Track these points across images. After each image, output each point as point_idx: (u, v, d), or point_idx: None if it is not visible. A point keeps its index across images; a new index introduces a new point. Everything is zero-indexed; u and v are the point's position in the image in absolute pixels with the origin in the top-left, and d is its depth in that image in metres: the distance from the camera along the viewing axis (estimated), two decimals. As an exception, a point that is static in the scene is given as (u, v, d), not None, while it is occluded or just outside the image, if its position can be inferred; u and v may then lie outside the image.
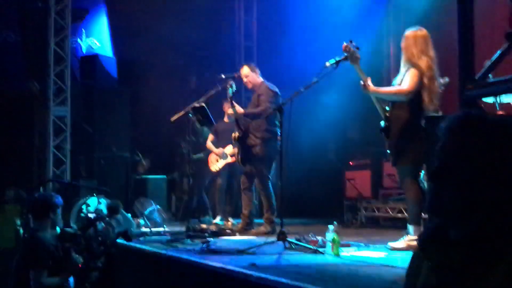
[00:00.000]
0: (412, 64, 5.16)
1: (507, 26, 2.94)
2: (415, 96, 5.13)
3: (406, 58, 5.22)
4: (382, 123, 5.39)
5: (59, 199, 4.85)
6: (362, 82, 5.17)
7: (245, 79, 7.50)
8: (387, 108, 5.37)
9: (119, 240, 5.21)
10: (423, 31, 5.28)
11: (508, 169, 1.50)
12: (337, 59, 5.32)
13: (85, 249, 4.20)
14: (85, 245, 4.20)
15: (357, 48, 5.10)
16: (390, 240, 5.32)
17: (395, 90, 5.23)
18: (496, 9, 7.06)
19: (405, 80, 5.16)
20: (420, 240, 1.71)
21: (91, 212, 7.43)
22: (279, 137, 6.32)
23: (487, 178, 1.50)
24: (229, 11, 12.18)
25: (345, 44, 5.11)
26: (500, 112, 5.82)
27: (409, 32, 5.29)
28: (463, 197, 1.52)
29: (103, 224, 4.44)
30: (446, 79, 5.38)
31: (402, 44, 5.29)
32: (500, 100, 5.74)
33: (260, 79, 7.48)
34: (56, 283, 4.47)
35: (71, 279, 4.53)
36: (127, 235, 4.82)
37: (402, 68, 5.30)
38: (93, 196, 8.17)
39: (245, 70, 7.51)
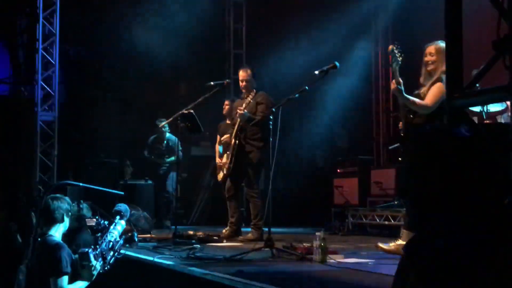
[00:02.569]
0: (442, 78, 5.09)
1: (494, 35, 2.95)
2: (438, 109, 5.09)
3: (439, 71, 5.11)
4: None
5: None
6: (395, 85, 5.07)
7: (244, 82, 7.24)
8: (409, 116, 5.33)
9: None
10: None
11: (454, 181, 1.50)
12: (326, 67, 5.34)
13: (100, 255, 4.07)
14: (100, 250, 4.08)
15: (401, 52, 5.03)
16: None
17: (418, 102, 5.18)
18: (484, 19, 7.11)
19: (429, 94, 5.13)
20: (406, 248, 1.71)
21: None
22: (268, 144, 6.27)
23: (434, 193, 1.50)
24: (219, 18, 12.18)
25: (391, 46, 5.07)
26: (487, 121, 5.86)
27: (442, 45, 5.19)
28: (417, 211, 1.53)
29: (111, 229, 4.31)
30: None
31: (432, 58, 5.17)
32: (487, 109, 5.78)
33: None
34: None
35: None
36: (132, 240, 4.76)
37: (427, 80, 5.23)
38: (80, 201, 8.10)
39: (248, 72, 7.24)
